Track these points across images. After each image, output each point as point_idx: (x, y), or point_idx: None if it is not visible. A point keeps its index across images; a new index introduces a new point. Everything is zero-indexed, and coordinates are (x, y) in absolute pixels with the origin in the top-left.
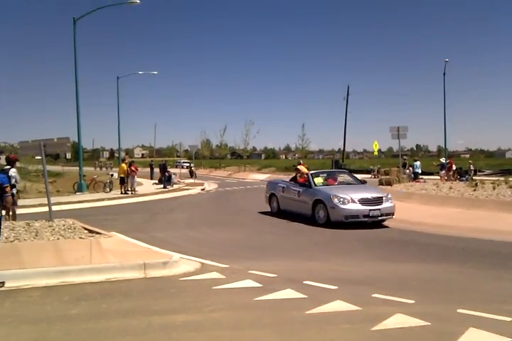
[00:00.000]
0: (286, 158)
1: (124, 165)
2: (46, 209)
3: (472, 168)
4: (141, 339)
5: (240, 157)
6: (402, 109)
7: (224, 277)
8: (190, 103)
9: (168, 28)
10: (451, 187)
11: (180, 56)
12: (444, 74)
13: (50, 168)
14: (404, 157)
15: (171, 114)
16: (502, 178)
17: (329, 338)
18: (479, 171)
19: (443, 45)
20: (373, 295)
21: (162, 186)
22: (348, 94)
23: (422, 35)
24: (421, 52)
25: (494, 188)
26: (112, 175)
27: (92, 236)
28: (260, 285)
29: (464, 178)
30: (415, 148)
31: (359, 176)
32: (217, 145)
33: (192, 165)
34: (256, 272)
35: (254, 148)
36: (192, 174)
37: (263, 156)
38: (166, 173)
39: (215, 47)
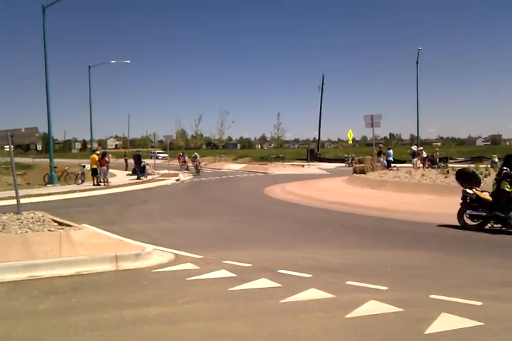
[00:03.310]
0: (261, 147)
1: (95, 156)
2: (15, 201)
3: (437, 156)
4: (112, 333)
5: (215, 147)
6: (376, 99)
7: (198, 268)
8: (164, 93)
9: (140, 18)
10: (423, 175)
11: (153, 47)
12: (417, 62)
13: (20, 159)
14: (380, 145)
15: (144, 104)
16: (473, 165)
17: (303, 327)
18: (451, 159)
19: (416, 33)
20: (347, 283)
21: (136, 177)
22: (323, 83)
23: (395, 23)
24: (394, 40)
25: None
26: (84, 166)
27: (62, 229)
28: (235, 275)
29: (436, 166)
30: (389, 137)
31: (334, 165)
32: (192, 136)
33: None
34: (230, 262)
35: (230, 138)
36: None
37: (239, 146)
38: (141, 164)
39: (189, 38)
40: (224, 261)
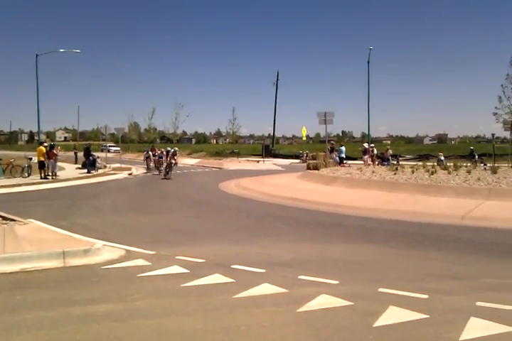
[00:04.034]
0: (217, 142)
1: (42, 148)
2: None
3: (388, 153)
4: (58, 332)
5: (169, 141)
6: (330, 96)
7: (150, 264)
8: (116, 86)
9: (91, 9)
10: (373, 172)
11: (104, 39)
12: (368, 62)
13: None
14: (332, 142)
15: (96, 96)
16: (420, 163)
17: (255, 322)
18: (400, 156)
19: (368, 29)
20: (299, 277)
21: (86, 171)
22: (277, 79)
23: (348, 19)
24: (348, 35)
25: (413, 172)
26: (31, 158)
27: (6, 224)
28: (187, 271)
29: (386, 163)
30: (341, 134)
31: (288, 161)
32: (145, 129)
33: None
34: (183, 257)
35: (185, 133)
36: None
37: (193, 141)
38: (90, 157)
39: (143, 30)
40: (177, 257)
